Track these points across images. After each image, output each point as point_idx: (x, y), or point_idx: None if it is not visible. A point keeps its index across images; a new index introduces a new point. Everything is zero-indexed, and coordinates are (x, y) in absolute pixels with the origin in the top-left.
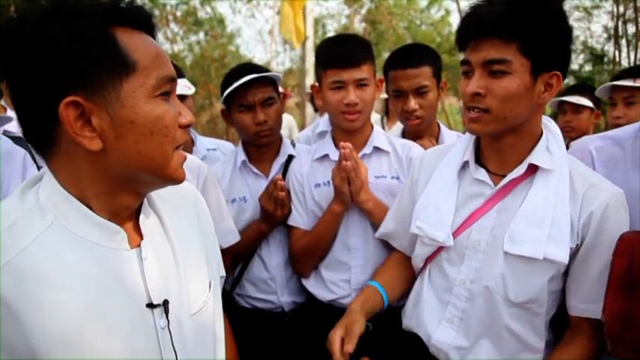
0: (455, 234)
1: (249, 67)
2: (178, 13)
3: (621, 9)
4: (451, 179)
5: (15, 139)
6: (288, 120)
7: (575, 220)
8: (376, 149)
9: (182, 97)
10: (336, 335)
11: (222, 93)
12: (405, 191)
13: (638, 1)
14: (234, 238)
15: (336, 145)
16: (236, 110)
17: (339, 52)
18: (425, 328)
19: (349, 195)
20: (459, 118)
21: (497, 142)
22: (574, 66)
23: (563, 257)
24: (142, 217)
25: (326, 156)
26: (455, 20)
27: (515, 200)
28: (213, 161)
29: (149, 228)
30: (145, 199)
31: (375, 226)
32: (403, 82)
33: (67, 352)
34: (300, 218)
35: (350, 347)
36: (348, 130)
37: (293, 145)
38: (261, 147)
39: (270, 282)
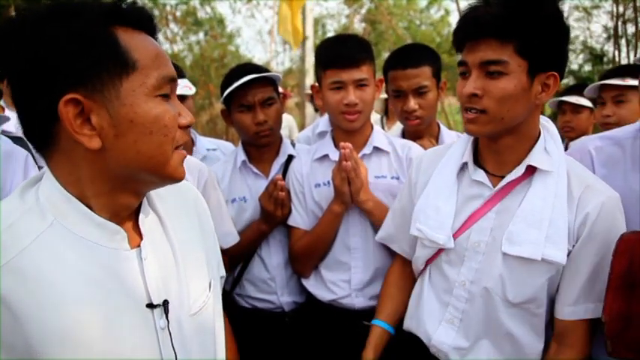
0: (455, 235)
1: (249, 67)
2: (178, 13)
3: (621, 9)
4: (450, 181)
5: (14, 140)
6: (288, 120)
7: (572, 221)
8: (376, 149)
9: (182, 98)
10: None
11: (222, 93)
12: (404, 193)
13: (637, 1)
14: (233, 239)
15: (336, 146)
16: (236, 110)
17: (339, 53)
18: (425, 329)
19: (349, 195)
20: (459, 118)
21: (495, 143)
22: (574, 66)
23: (561, 258)
24: (141, 216)
25: (326, 156)
26: (454, 20)
27: (513, 201)
28: (214, 161)
29: (149, 227)
30: (145, 199)
31: (375, 226)
32: (403, 82)
33: (66, 351)
34: (300, 218)
35: None
36: (348, 130)
37: (293, 145)
38: (261, 147)
39: (270, 282)
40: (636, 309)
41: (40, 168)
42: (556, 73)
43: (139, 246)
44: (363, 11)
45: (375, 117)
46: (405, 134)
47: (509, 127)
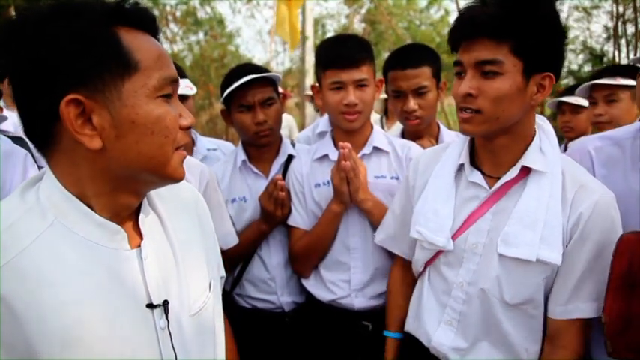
0: (453, 237)
1: (248, 67)
2: (178, 13)
3: (621, 9)
4: (448, 183)
5: (14, 140)
6: (288, 120)
7: (565, 222)
8: (376, 149)
9: (183, 98)
10: None
11: (222, 93)
12: (402, 196)
13: (637, 1)
14: (233, 240)
15: (336, 146)
16: (236, 110)
17: (339, 53)
18: (425, 330)
19: (348, 195)
20: None
21: (490, 143)
22: (573, 66)
23: (556, 258)
24: (141, 216)
25: (326, 156)
26: None
27: (510, 202)
28: (214, 161)
29: (149, 227)
30: (145, 199)
31: (375, 226)
32: (403, 83)
33: (66, 351)
34: (300, 218)
35: None
36: (348, 130)
37: (293, 145)
38: (260, 147)
39: (270, 282)
40: (636, 309)
41: (39, 168)
42: (551, 74)
43: (139, 246)
44: (363, 11)
45: (375, 117)
46: (404, 134)
47: (504, 127)
